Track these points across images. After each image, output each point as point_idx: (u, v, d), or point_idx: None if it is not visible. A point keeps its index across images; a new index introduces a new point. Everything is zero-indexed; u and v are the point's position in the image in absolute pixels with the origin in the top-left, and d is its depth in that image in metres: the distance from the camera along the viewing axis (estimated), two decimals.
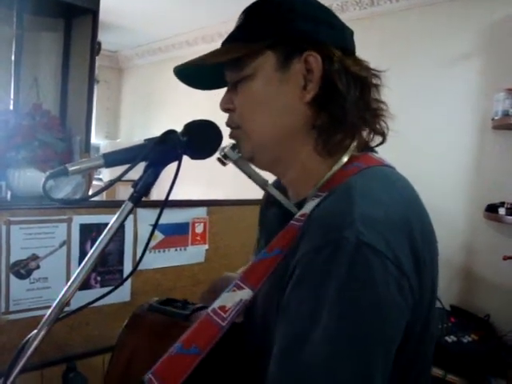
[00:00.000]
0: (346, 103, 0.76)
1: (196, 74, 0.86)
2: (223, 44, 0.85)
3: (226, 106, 0.84)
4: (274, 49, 0.78)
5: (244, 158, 0.84)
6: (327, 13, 0.82)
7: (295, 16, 0.78)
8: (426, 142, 3.04)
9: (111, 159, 0.78)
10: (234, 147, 0.84)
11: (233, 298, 0.71)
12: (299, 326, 0.63)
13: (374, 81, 0.81)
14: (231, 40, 0.83)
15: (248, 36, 0.81)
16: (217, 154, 0.85)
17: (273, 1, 0.81)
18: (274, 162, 0.84)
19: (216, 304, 0.71)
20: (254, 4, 0.83)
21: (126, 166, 0.78)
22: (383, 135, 0.83)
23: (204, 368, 0.68)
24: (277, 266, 0.72)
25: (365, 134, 0.81)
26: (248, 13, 0.83)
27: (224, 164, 0.85)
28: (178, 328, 0.80)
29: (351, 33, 0.85)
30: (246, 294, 0.71)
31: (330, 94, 0.77)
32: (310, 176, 0.80)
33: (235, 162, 0.84)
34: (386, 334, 0.62)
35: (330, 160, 0.79)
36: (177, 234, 2.06)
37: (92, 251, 0.77)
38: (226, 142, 0.86)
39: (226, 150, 0.83)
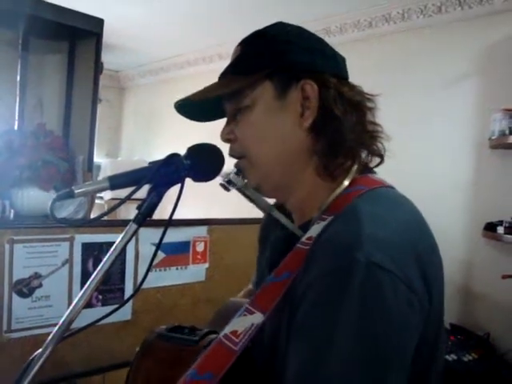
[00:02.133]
0: (344, 127, 0.79)
1: (195, 106, 0.88)
2: (221, 76, 0.87)
3: (226, 137, 0.86)
4: (272, 79, 0.81)
5: (250, 186, 0.86)
6: (320, 42, 0.85)
7: (291, 47, 0.81)
8: (425, 161, 3.07)
9: (116, 182, 0.80)
10: (237, 173, 0.86)
11: (244, 323, 0.72)
12: (314, 349, 0.65)
13: (369, 104, 0.84)
14: (229, 72, 0.86)
15: (245, 68, 0.83)
16: (218, 179, 0.87)
17: (268, 33, 0.84)
18: (279, 188, 0.86)
19: (227, 329, 0.72)
20: (249, 37, 0.86)
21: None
22: (381, 156, 0.85)
23: None
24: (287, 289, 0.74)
25: (363, 155, 0.84)
26: (244, 45, 0.86)
27: (228, 190, 0.87)
28: (188, 354, 0.81)
29: (343, 59, 0.88)
30: (257, 318, 0.72)
31: (327, 119, 0.79)
32: (313, 199, 0.82)
33: (239, 189, 0.86)
34: (399, 351, 0.65)
35: (332, 183, 0.81)
36: (178, 253, 2.07)
37: (96, 272, 0.79)
38: (228, 164, 0.89)
39: (231, 176, 0.85)
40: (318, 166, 0.81)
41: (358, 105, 0.82)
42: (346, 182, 0.80)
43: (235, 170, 0.86)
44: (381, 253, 0.65)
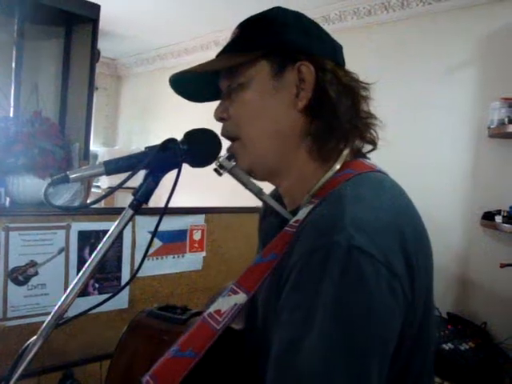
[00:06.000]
0: (339, 110, 0.79)
1: (191, 86, 0.88)
2: (218, 55, 0.87)
3: (220, 115, 0.86)
4: (268, 58, 0.81)
5: (242, 169, 0.85)
6: (318, 28, 0.86)
7: (289, 29, 0.82)
8: (423, 150, 3.06)
9: (112, 167, 0.79)
10: (229, 157, 0.85)
11: (228, 303, 0.73)
12: (293, 331, 0.64)
13: (363, 92, 0.84)
14: (226, 51, 0.85)
15: (243, 46, 0.83)
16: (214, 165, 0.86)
17: (267, 15, 0.85)
18: (271, 171, 0.86)
19: (212, 308, 0.73)
20: (248, 18, 0.86)
21: (125, 174, 0.79)
22: (374, 143, 0.85)
23: (200, 370, 0.70)
24: (272, 271, 0.74)
25: (356, 141, 0.84)
26: (243, 26, 0.86)
27: (220, 174, 0.86)
28: (175, 333, 0.81)
29: (340, 47, 0.88)
30: (240, 298, 0.73)
31: (322, 102, 0.79)
32: (304, 183, 0.82)
33: (230, 172, 0.86)
34: (379, 336, 0.63)
35: (324, 166, 0.81)
36: (175, 242, 2.06)
37: (92, 258, 0.78)
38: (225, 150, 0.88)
39: (220, 159, 0.85)
40: (311, 148, 0.81)
41: (353, 91, 0.82)
42: (337, 166, 0.80)
43: (227, 154, 0.86)
44: (363, 236, 0.63)
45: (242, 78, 0.82)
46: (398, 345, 0.67)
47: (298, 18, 0.85)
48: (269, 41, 0.81)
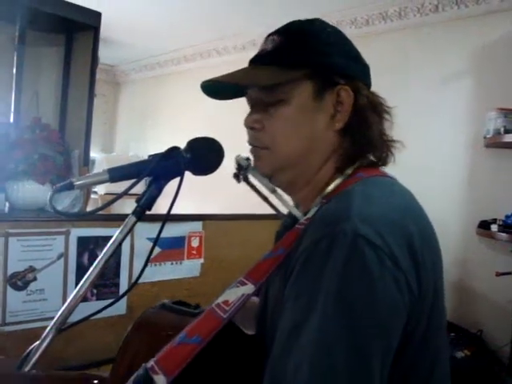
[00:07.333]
0: (372, 134, 0.82)
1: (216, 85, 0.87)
2: (254, 62, 0.86)
3: (253, 125, 0.85)
4: (312, 79, 0.82)
5: (263, 174, 0.87)
6: (353, 47, 0.87)
7: (332, 50, 0.82)
8: (420, 159, 3.07)
9: (116, 174, 0.80)
10: (248, 159, 0.87)
11: (236, 293, 0.75)
12: (296, 315, 0.66)
13: (386, 116, 0.87)
14: (265, 60, 0.84)
15: (285, 61, 0.82)
16: (227, 170, 0.87)
17: (309, 31, 0.84)
18: (293, 181, 0.87)
19: (220, 299, 0.75)
20: (289, 29, 0.86)
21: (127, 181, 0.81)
22: (385, 163, 0.88)
23: (204, 362, 0.71)
24: (281, 265, 0.76)
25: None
26: (284, 37, 0.84)
27: (239, 180, 0.87)
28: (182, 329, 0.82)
29: (368, 67, 0.90)
30: (248, 288, 0.75)
31: (358, 125, 0.82)
32: (319, 190, 0.84)
33: (246, 178, 0.88)
34: (381, 325, 0.64)
35: (339, 175, 0.84)
36: (173, 248, 2.07)
37: (96, 263, 0.79)
38: (227, 158, 0.89)
39: (238, 158, 0.86)
40: (336, 164, 0.84)
41: (381, 114, 0.86)
42: (349, 171, 0.82)
43: (244, 156, 0.88)
44: (368, 227, 0.66)
45: (283, 95, 0.81)
46: (403, 341, 0.68)
47: (338, 37, 0.86)
48: (314, 61, 0.82)
